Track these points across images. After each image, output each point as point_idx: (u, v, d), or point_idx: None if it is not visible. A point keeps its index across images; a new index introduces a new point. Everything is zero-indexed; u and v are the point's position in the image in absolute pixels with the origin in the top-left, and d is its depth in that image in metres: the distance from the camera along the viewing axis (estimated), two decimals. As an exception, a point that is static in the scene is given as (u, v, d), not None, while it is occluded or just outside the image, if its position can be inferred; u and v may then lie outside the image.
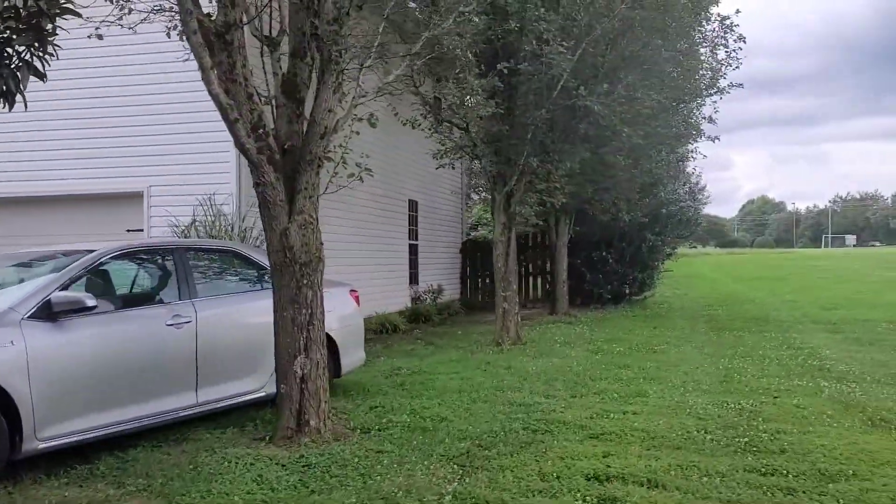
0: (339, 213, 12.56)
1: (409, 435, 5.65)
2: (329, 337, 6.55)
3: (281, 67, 5.64)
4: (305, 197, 5.40)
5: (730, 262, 48.34)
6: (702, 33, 14.32)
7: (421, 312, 15.26)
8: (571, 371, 8.50)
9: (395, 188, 15.16)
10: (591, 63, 9.77)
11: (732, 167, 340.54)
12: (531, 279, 19.71)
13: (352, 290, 7.34)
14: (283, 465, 4.90)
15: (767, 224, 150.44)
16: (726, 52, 13.89)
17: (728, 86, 14.60)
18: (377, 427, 5.85)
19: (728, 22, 13.26)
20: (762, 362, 9.27)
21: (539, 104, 9.69)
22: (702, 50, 14.92)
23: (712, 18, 13.79)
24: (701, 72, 14.86)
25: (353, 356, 7.03)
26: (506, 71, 9.24)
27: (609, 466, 4.82)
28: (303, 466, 4.88)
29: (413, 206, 16.17)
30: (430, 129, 10.54)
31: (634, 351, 10.32)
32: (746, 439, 5.51)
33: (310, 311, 5.43)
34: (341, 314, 6.90)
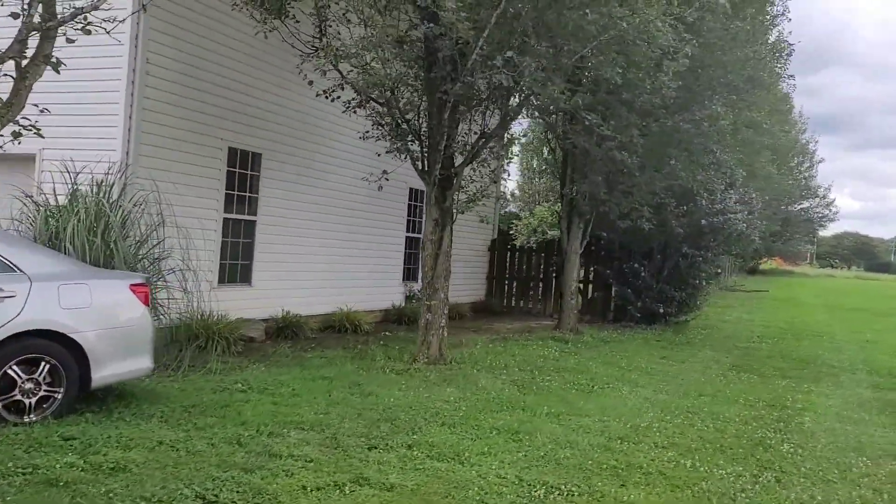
0: (299, 198, 11.39)
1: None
2: (71, 341, 5.27)
3: None
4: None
5: (854, 288, 43.14)
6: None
7: (406, 313, 13.75)
8: (438, 412, 6.71)
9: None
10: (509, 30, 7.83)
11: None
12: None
13: (136, 284, 6.00)
14: None
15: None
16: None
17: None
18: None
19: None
20: (721, 428, 7.14)
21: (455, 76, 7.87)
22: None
23: None
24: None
25: (117, 366, 5.69)
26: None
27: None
28: None
29: (415, 195, 14.65)
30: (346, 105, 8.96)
31: (576, 388, 8.39)
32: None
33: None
34: (99, 313, 5.57)
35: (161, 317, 7.80)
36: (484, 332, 13.77)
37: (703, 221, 14.40)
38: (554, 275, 17.12)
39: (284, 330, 10.47)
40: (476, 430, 6.17)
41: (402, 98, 8.23)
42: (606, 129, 9.77)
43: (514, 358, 10.10)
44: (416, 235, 14.88)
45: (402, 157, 8.52)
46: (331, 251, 12.27)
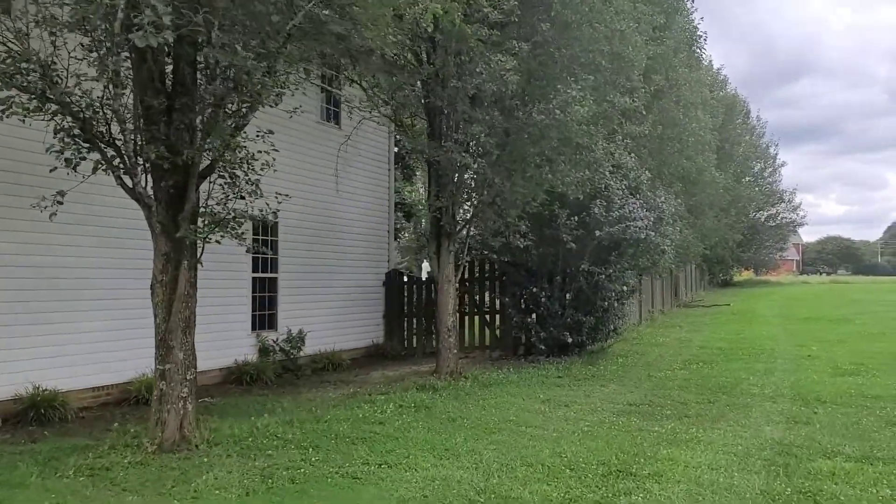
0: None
1: None
2: None
3: None
4: None
5: (823, 294, 41.00)
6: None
7: (248, 372, 11.47)
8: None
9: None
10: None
11: (885, 187, 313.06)
12: (471, 319, 15.53)
13: None
14: None
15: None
16: None
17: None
18: None
19: None
20: None
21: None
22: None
23: None
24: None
25: None
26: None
27: None
28: None
29: (267, 228, 12.49)
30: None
31: (347, 474, 6.14)
32: None
33: None
34: None
35: None
36: (347, 384, 11.55)
37: (598, 233, 12.28)
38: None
39: (32, 413, 8.14)
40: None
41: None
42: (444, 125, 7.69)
43: (326, 425, 7.85)
44: (269, 275, 12.70)
45: (104, 170, 6.26)
46: (121, 303, 9.89)
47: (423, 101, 10.12)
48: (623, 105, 10.36)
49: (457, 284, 11.78)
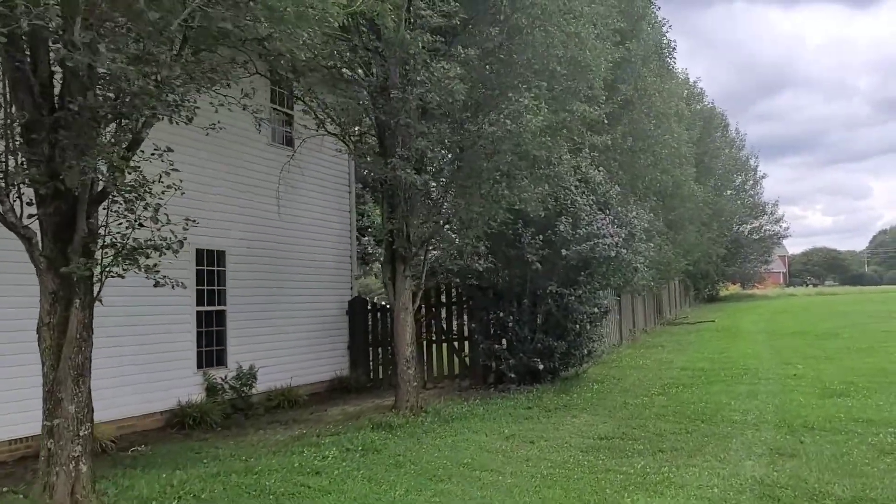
0: None
1: None
2: None
3: None
4: None
5: (809, 307, 40.39)
6: None
7: (191, 414, 10.57)
8: None
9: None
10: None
11: (870, 196, 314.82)
12: (439, 347, 14.71)
13: None
14: None
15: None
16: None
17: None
18: None
19: None
20: None
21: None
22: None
23: None
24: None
25: None
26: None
27: None
28: None
29: (209, 258, 11.67)
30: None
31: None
32: None
33: None
34: None
35: None
36: (301, 423, 10.68)
37: (565, 252, 11.51)
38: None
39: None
40: None
41: None
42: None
43: (255, 478, 6.96)
44: (217, 308, 11.84)
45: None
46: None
47: (371, 116, 9.38)
48: (584, 114, 9.65)
49: (413, 312, 10.93)
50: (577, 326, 12.42)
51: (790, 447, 7.75)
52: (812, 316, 29.49)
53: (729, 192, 44.87)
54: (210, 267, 11.77)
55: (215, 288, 11.86)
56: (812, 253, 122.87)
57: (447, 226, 10.29)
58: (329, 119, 10.26)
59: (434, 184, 8.93)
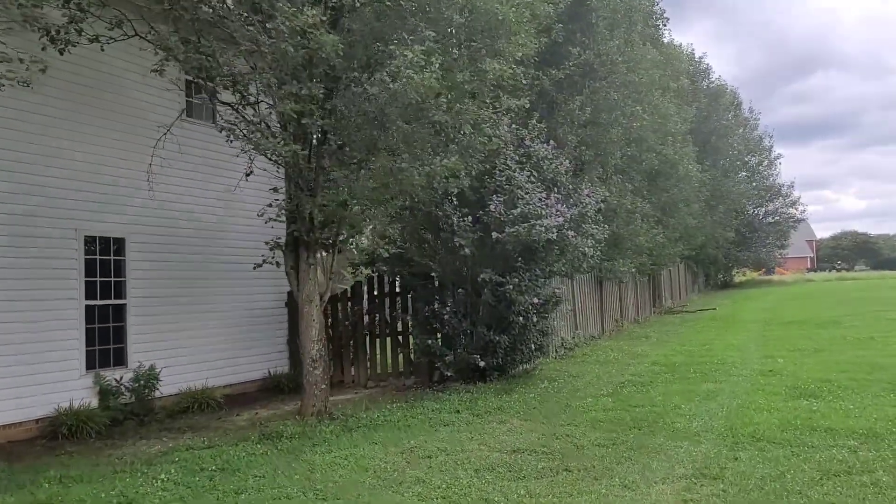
0: None
1: None
2: None
3: None
4: None
5: (820, 292, 38.27)
6: None
7: (65, 422, 9.38)
8: None
9: (31, 212, 9.55)
10: None
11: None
12: (382, 341, 13.42)
13: None
14: None
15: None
16: None
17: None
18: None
19: None
20: None
21: None
22: None
23: None
24: None
25: None
26: None
27: None
28: None
29: (99, 244, 10.48)
30: None
31: None
32: None
33: None
34: None
35: None
36: (195, 431, 9.48)
37: (497, 234, 10.12)
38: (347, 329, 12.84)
39: None
40: None
41: None
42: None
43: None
44: (114, 302, 10.66)
45: None
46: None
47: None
48: (498, 74, 8.22)
49: (322, 305, 9.65)
50: (522, 319, 11.03)
51: (719, 466, 6.35)
52: (820, 303, 27.67)
53: (743, 173, 42.86)
54: (105, 256, 10.59)
55: (111, 279, 10.68)
56: (841, 237, 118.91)
57: (356, 207, 8.93)
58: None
59: (309, 155, 7.57)
